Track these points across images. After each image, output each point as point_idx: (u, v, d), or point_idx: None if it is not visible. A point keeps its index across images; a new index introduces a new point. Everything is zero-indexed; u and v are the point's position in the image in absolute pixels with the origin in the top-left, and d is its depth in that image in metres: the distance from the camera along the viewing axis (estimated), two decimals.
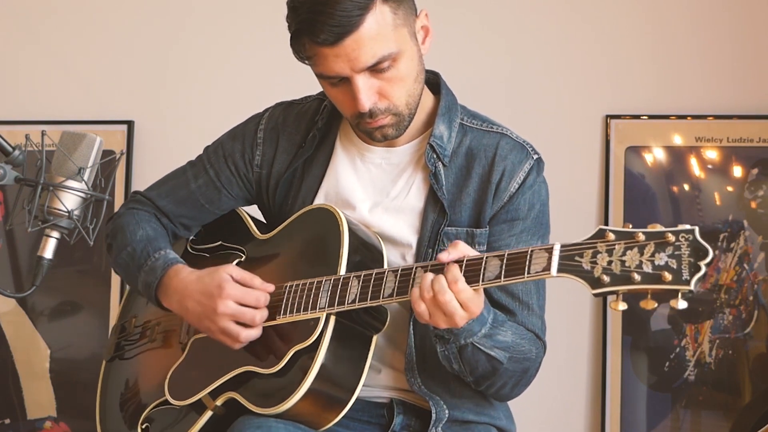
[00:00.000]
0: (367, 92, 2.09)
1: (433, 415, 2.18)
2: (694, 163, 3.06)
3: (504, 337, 2.09)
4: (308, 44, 2.08)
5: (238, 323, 2.12)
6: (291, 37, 2.10)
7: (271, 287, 2.15)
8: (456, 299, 1.95)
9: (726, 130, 3.05)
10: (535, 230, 2.21)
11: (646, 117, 3.11)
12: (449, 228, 2.18)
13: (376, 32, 2.05)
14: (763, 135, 3.03)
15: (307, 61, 2.12)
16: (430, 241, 2.18)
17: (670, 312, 3.00)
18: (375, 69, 2.08)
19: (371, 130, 2.16)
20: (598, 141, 3.12)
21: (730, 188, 3.04)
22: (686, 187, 3.06)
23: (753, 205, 3.03)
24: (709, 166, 3.05)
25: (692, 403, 3.01)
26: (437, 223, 2.18)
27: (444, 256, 1.98)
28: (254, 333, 2.13)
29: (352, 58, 2.05)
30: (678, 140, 3.08)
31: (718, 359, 3.01)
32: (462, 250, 1.98)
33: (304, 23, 2.05)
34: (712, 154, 3.05)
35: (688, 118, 3.08)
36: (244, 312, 2.12)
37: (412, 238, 2.20)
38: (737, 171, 3.04)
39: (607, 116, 3.12)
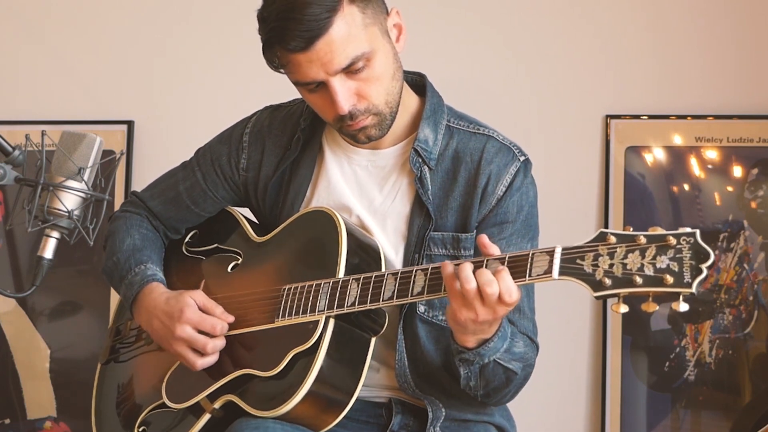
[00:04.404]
0: (345, 94, 2.08)
1: (430, 414, 2.18)
2: (694, 163, 3.06)
3: (518, 348, 2.09)
4: (280, 52, 2.08)
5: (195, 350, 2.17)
6: (263, 47, 2.10)
7: (231, 318, 2.18)
8: (499, 288, 1.90)
9: (726, 130, 3.05)
10: (524, 232, 2.20)
11: (646, 117, 3.10)
12: (435, 233, 2.17)
13: (347, 33, 2.05)
14: (763, 135, 3.02)
15: (282, 70, 2.12)
16: (417, 247, 2.17)
17: (670, 312, 2.99)
18: (350, 70, 2.07)
19: (354, 133, 2.15)
20: (598, 141, 3.12)
21: (730, 188, 3.03)
22: (686, 187, 3.06)
23: (753, 205, 3.03)
24: (709, 166, 3.05)
25: (692, 403, 3.01)
26: (423, 228, 2.17)
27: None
28: (209, 360, 2.16)
29: (326, 61, 2.05)
30: (678, 140, 3.07)
31: (718, 359, 3.01)
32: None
33: (274, 31, 2.06)
34: (712, 154, 3.05)
35: (688, 118, 3.07)
36: (197, 339, 2.15)
37: (399, 244, 2.19)
38: (737, 171, 3.04)
39: (607, 116, 3.11)
